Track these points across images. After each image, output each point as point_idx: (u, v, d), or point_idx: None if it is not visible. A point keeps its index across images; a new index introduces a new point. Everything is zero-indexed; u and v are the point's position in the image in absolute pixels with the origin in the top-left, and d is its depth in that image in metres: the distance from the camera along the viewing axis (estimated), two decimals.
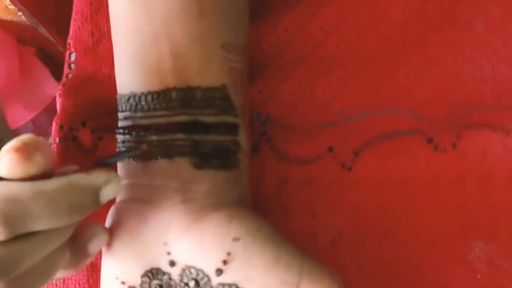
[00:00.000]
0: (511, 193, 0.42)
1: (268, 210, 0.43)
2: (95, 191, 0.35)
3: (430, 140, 0.43)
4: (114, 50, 0.41)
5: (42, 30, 0.83)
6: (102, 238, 0.38)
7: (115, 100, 0.44)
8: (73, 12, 0.46)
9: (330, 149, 0.43)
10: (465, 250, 0.43)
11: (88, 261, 0.39)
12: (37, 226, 0.32)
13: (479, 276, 0.42)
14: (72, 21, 0.46)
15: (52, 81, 0.89)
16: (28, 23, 0.80)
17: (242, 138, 0.40)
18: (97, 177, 0.35)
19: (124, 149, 0.40)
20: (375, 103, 0.44)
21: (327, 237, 0.43)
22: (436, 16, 0.45)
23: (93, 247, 0.38)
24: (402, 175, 0.43)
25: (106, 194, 0.35)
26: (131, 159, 0.39)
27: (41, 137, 0.33)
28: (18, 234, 0.32)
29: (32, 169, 0.33)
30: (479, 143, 0.42)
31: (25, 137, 0.33)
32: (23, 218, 0.32)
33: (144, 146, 0.38)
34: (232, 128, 0.39)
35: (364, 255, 0.43)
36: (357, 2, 0.45)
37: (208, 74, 0.39)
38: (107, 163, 0.37)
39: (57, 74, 0.96)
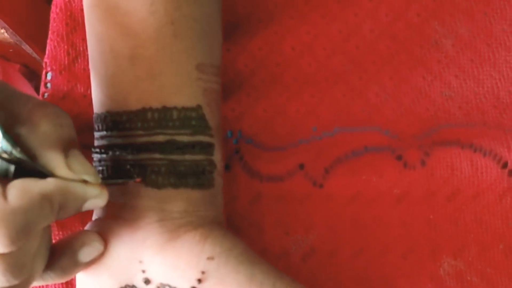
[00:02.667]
0: (479, 209, 0.43)
1: (241, 227, 0.43)
2: (83, 202, 0.36)
3: (399, 157, 0.43)
4: (91, 70, 0.41)
5: (26, 47, 0.83)
6: (95, 247, 0.39)
7: (90, 118, 0.44)
8: (50, 32, 0.47)
9: (301, 166, 0.44)
10: (434, 265, 0.43)
11: (78, 270, 0.39)
12: (39, 227, 0.34)
13: None
14: (48, 41, 0.47)
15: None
16: (11, 40, 0.80)
17: (217, 157, 0.41)
18: (91, 190, 0.36)
19: (101, 168, 0.40)
20: (346, 121, 0.45)
21: (299, 253, 0.44)
22: (405, 35, 0.45)
23: (84, 256, 0.38)
24: (372, 192, 0.43)
25: (90, 205, 0.36)
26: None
27: None
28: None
29: None
30: (447, 160, 0.43)
31: None
32: (34, 223, 0.33)
33: (138, 180, 0.39)
34: (207, 148, 0.40)
35: (336, 270, 0.44)
36: (328, 21, 0.46)
37: (183, 94, 0.39)
38: (108, 183, 0.38)
39: (39, 90, 0.96)
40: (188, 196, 0.39)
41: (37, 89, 0.94)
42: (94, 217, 0.41)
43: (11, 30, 0.78)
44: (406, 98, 0.45)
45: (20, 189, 0.33)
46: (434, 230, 0.43)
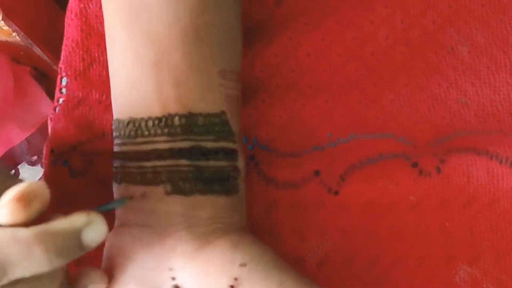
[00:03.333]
0: (494, 216, 0.43)
1: (256, 233, 0.43)
2: (76, 234, 0.34)
3: (414, 164, 0.43)
4: (111, 76, 0.41)
5: (37, 50, 0.83)
6: (99, 286, 0.39)
7: (105, 124, 0.44)
8: (64, 38, 0.47)
9: (317, 173, 0.44)
10: (450, 272, 0.43)
11: None
12: (18, 273, 0.32)
13: None
14: (63, 46, 0.47)
15: (46, 100, 0.89)
16: (22, 43, 0.81)
17: (241, 163, 0.41)
18: (76, 219, 0.35)
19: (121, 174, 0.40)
20: (361, 127, 0.45)
21: (314, 260, 0.44)
22: (421, 42, 0.45)
23: None
24: (388, 199, 0.43)
25: (90, 236, 0.35)
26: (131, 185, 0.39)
27: (37, 182, 0.34)
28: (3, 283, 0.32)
29: (31, 216, 0.33)
30: (463, 167, 0.43)
31: (24, 186, 0.33)
32: (2, 265, 0.32)
33: (130, 197, 0.39)
34: (231, 154, 0.40)
35: (351, 277, 0.44)
36: (343, 28, 0.46)
37: (208, 100, 0.39)
38: (100, 210, 0.36)
39: (52, 93, 0.97)
40: (215, 202, 0.39)
41: (47, 92, 0.95)
42: (117, 223, 0.41)
43: (22, 33, 0.78)
44: (421, 105, 0.45)
45: None
46: (449, 237, 0.43)
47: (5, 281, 0.32)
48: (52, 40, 0.85)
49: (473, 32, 0.45)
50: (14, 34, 0.77)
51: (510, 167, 0.42)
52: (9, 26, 0.75)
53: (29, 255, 0.32)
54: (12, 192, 0.33)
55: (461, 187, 0.43)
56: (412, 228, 0.43)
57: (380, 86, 0.45)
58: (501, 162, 0.42)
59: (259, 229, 0.44)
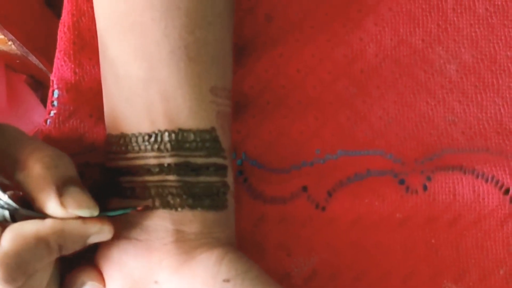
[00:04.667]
0: (480, 235, 0.43)
1: (243, 248, 0.44)
2: (86, 237, 0.38)
3: (401, 181, 0.44)
4: (104, 92, 0.42)
5: (32, 59, 0.84)
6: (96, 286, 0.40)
7: (96, 137, 0.45)
8: (57, 50, 0.47)
9: (305, 188, 0.44)
10: None
11: None
12: (38, 266, 0.36)
13: None
14: (55, 59, 0.47)
15: (40, 108, 0.90)
16: (18, 52, 0.81)
17: (230, 179, 0.41)
18: (91, 227, 0.38)
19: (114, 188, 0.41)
20: (349, 144, 0.45)
21: (301, 275, 0.44)
22: (409, 59, 0.46)
23: None
24: (374, 215, 0.44)
25: (95, 240, 0.38)
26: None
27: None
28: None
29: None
30: (449, 185, 0.43)
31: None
32: (28, 264, 0.36)
33: (139, 208, 0.39)
34: (221, 170, 0.40)
35: None
36: (333, 44, 0.46)
37: (198, 117, 0.40)
38: (107, 215, 0.39)
39: (46, 100, 0.97)
40: (203, 217, 0.39)
41: (42, 100, 0.95)
42: None
43: (18, 42, 0.78)
44: (409, 122, 0.45)
45: (14, 233, 0.35)
46: (435, 254, 0.44)
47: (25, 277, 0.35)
48: (48, 48, 0.85)
49: (461, 50, 0.46)
50: (9, 43, 0.78)
51: (495, 186, 0.43)
52: (4, 35, 0.75)
53: (46, 254, 0.36)
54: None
55: (447, 205, 0.43)
56: (398, 245, 0.44)
57: (369, 103, 0.46)
58: (486, 181, 0.43)
59: (246, 243, 0.44)
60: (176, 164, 0.39)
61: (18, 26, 0.77)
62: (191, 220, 0.39)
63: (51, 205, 0.37)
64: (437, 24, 0.46)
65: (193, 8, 0.40)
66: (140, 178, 0.40)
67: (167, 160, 0.39)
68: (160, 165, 0.39)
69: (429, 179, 0.43)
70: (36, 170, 0.37)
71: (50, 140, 0.46)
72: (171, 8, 0.39)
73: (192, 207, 0.39)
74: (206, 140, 0.40)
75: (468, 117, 0.45)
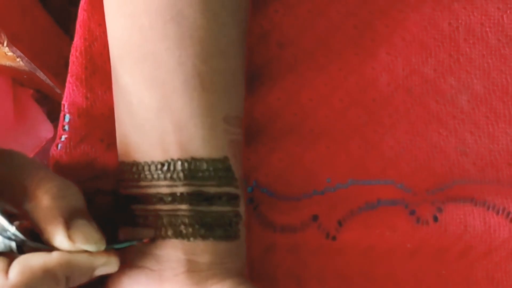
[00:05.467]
0: (491, 266, 0.43)
1: (253, 277, 0.44)
2: (92, 270, 0.37)
3: (412, 212, 0.44)
4: (116, 119, 0.42)
5: (40, 74, 0.84)
6: None
7: (108, 163, 0.45)
8: (69, 75, 0.47)
9: (315, 217, 0.44)
10: None
11: None
12: None
13: None
14: (67, 83, 0.47)
15: (47, 124, 0.90)
16: (26, 68, 0.81)
17: (242, 208, 0.41)
18: (98, 260, 0.37)
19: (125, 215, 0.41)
20: (360, 173, 0.45)
21: None
22: (421, 89, 0.46)
23: None
24: (385, 245, 0.44)
25: (101, 272, 0.38)
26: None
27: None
28: None
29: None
30: (460, 216, 0.43)
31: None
32: None
33: (146, 241, 0.39)
34: (234, 199, 0.40)
35: None
36: (345, 73, 0.46)
37: (211, 146, 0.40)
38: (113, 248, 0.39)
39: (53, 115, 0.97)
40: (215, 248, 0.39)
41: (49, 114, 0.95)
42: None
43: (26, 59, 0.78)
44: (421, 152, 0.45)
45: (22, 265, 0.35)
46: (446, 285, 0.44)
47: None
48: (55, 65, 0.86)
49: (473, 81, 0.46)
50: (18, 59, 0.78)
51: (506, 218, 0.43)
52: (13, 52, 0.75)
53: (54, 286, 0.36)
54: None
55: (458, 236, 0.43)
56: (409, 275, 0.44)
57: (380, 133, 0.46)
58: (497, 212, 0.43)
59: (256, 272, 0.44)
60: (188, 194, 0.39)
61: (27, 44, 0.77)
62: (203, 250, 0.39)
63: (59, 238, 0.37)
64: (449, 54, 0.46)
65: (206, 37, 0.40)
66: (152, 207, 0.40)
67: (180, 189, 0.39)
68: (173, 194, 0.39)
69: (440, 210, 0.43)
70: (44, 202, 0.37)
71: (61, 165, 0.46)
72: (184, 37, 0.40)
73: (204, 237, 0.39)
74: (219, 169, 0.40)
75: (479, 148, 0.45)
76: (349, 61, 0.46)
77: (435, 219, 0.43)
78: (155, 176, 0.40)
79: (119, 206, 0.42)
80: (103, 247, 0.38)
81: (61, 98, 0.89)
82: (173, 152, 0.39)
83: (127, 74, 0.41)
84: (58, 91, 0.89)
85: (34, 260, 0.36)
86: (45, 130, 0.90)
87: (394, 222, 0.44)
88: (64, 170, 0.46)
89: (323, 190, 0.45)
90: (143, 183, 0.40)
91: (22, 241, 0.37)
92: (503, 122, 0.45)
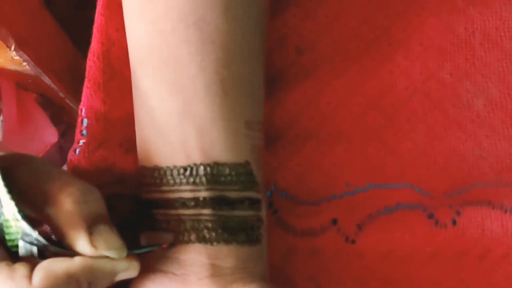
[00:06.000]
0: (510, 269, 0.44)
1: (273, 281, 0.44)
2: (114, 275, 0.37)
3: (430, 216, 0.44)
4: (137, 123, 0.42)
5: (45, 79, 0.84)
6: None
7: (126, 167, 0.45)
8: (86, 79, 0.47)
9: (334, 221, 0.44)
10: None
11: None
12: None
13: None
14: (84, 88, 0.47)
15: (51, 128, 0.90)
16: (31, 72, 0.81)
17: (264, 213, 0.41)
18: (119, 265, 0.37)
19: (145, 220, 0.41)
20: (379, 177, 0.45)
21: None
22: (439, 94, 0.46)
23: None
24: (404, 249, 0.44)
25: (122, 277, 0.38)
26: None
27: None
28: None
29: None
30: (478, 220, 0.43)
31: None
32: None
33: (165, 246, 0.40)
34: (256, 204, 0.40)
35: None
36: (363, 77, 0.47)
37: (233, 151, 0.40)
38: (133, 253, 0.39)
39: (56, 119, 0.97)
40: (238, 252, 0.39)
41: (52, 118, 0.95)
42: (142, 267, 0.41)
43: (32, 63, 0.78)
44: (439, 156, 0.46)
45: (45, 271, 0.35)
46: None
47: None
48: (60, 69, 0.86)
49: (488, 85, 0.46)
50: (24, 63, 0.77)
51: None
52: (20, 56, 0.75)
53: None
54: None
55: (476, 239, 0.44)
56: (428, 279, 0.44)
57: (398, 136, 0.46)
58: None
59: (276, 276, 0.44)
60: (211, 198, 0.39)
61: (34, 48, 0.77)
62: (226, 254, 0.39)
63: (81, 243, 0.37)
64: (465, 58, 0.47)
65: (227, 43, 0.40)
66: (175, 211, 0.40)
67: (203, 194, 0.39)
68: (196, 199, 0.39)
69: (458, 213, 0.44)
70: (66, 206, 0.37)
71: (79, 169, 0.46)
72: (206, 42, 0.40)
73: (227, 241, 0.39)
74: (241, 174, 0.40)
75: (496, 152, 0.46)
76: (367, 66, 0.47)
77: (454, 222, 0.44)
78: (177, 180, 0.40)
79: (140, 211, 0.42)
80: (124, 254, 0.38)
81: (65, 103, 0.89)
82: (196, 157, 0.39)
83: (148, 79, 0.41)
84: (62, 95, 0.89)
85: (57, 265, 0.36)
86: (49, 134, 0.90)
87: (413, 225, 0.44)
88: (83, 175, 0.45)
89: (341, 194, 0.45)
90: (165, 188, 0.40)
91: (44, 245, 0.37)
92: None
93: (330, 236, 0.44)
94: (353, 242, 0.44)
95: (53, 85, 0.86)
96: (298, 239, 0.44)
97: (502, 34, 0.47)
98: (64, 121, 0.98)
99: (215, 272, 0.39)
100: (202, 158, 0.39)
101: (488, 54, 0.47)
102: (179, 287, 0.39)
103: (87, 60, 0.48)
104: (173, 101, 0.40)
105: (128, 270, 0.38)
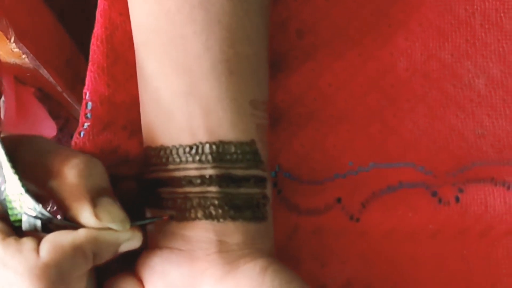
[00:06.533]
0: (511, 245, 0.44)
1: (278, 259, 0.44)
2: (117, 246, 0.38)
3: (434, 193, 0.44)
4: (142, 104, 0.42)
5: (44, 72, 0.84)
6: None
7: (129, 150, 0.45)
8: (90, 63, 0.48)
9: (339, 200, 0.45)
10: None
11: None
12: (74, 276, 0.36)
13: None
14: (88, 72, 0.47)
15: (49, 122, 0.90)
16: (30, 65, 0.81)
17: (269, 191, 0.42)
18: (122, 235, 0.38)
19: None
20: (381, 156, 0.46)
21: (335, 286, 0.45)
22: (439, 74, 0.47)
23: None
24: (407, 227, 0.44)
25: (126, 248, 0.39)
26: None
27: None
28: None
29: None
30: (480, 197, 0.44)
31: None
32: (68, 274, 0.36)
33: (165, 218, 0.40)
34: (261, 182, 0.41)
35: None
36: (364, 58, 0.47)
37: (239, 129, 0.40)
38: (136, 224, 0.40)
39: (54, 114, 0.97)
40: (245, 229, 0.40)
41: (49, 113, 0.95)
42: (148, 246, 0.42)
43: (31, 56, 0.79)
44: (439, 135, 0.46)
45: (52, 243, 0.36)
46: (467, 266, 0.44)
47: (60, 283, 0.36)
48: (58, 62, 0.86)
49: (489, 65, 0.47)
50: (23, 56, 0.78)
51: None
52: (19, 49, 0.75)
53: (83, 263, 0.37)
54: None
55: (478, 216, 0.44)
56: (431, 256, 0.44)
57: (399, 116, 0.46)
58: None
59: (281, 255, 0.44)
60: (217, 176, 0.40)
61: (33, 41, 0.77)
62: (233, 231, 0.39)
63: (85, 215, 0.37)
64: (465, 39, 0.47)
65: (233, 23, 0.41)
66: (181, 189, 0.40)
67: (209, 172, 0.40)
68: (202, 177, 0.40)
69: (461, 191, 0.44)
70: (70, 178, 0.38)
71: (83, 151, 0.46)
72: (212, 22, 0.40)
73: (234, 218, 0.40)
74: (247, 153, 0.40)
75: (497, 130, 0.46)
76: (367, 48, 0.47)
77: (457, 199, 0.44)
78: (184, 159, 0.40)
79: (145, 190, 0.42)
80: (128, 226, 0.38)
81: (62, 98, 0.89)
82: (201, 136, 0.40)
83: (153, 60, 0.41)
84: (60, 89, 0.89)
85: (63, 238, 0.36)
86: (48, 127, 0.90)
87: (416, 203, 0.44)
88: None
89: (345, 173, 0.46)
90: (171, 167, 0.40)
91: (48, 219, 0.37)
92: None
93: (334, 214, 0.45)
94: (357, 220, 0.45)
95: (51, 79, 0.86)
96: (302, 217, 0.45)
97: (502, 14, 0.47)
98: (62, 115, 0.99)
99: (223, 248, 0.39)
100: (207, 136, 0.40)
101: (488, 34, 0.47)
102: (186, 262, 0.39)
103: (91, 44, 0.48)
104: (179, 81, 0.40)
105: (131, 240, 0.39)
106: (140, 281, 0.41)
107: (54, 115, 0.97)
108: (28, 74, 0.87)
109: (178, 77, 0.40)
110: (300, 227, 0.45)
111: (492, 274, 0.44)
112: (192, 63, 0.40)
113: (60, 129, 0.97)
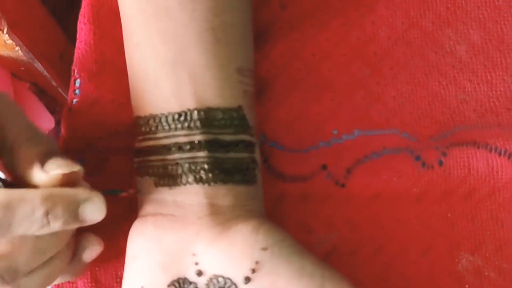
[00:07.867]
0: (495, 207, 0.45)
1: None
2: (75, 205, 0.38)
3: (417, 158, 0.45)
4: (130, 75, 0.43)
5: (37, 65, 0.85)
6: (95, 248, 0.42)
7: (119, 122, 0.46)
8: (77, 41, 0.48)
9: (324, 167, 0.45)
10: (453, 261, 0.45)
11: (85, 269, 0.43)
12: (21, 230, 0.36)
13: (467, 286, 0.44)
14: (76, 49, 0.48)
15: (47, 115, 0.91)
16: (24, 58, 0.82)
17: (258, 155, 0.43)
18: (79, 192, 0.38)
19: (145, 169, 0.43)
20: (365, 124, 0.47)
21: (321, 251, 0.45)
22: (420, 42, 0.47)
23: (87, 256, 0.42)
24: (392, 191, 0.45)
25: (86, 211, 0.38)
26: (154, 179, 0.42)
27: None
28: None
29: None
30: (464, 159, 0.45)
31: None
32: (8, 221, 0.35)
33: (131, 190, 0.42)
34: (249, 146, 0.42)
35: (357, 269, 0.45)
36: (347, 28, 0.48)
37: (226, 96, 0.41)
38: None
39: (50, 109, 0.98)
40: (236, 191, 0.41)
41: (47, 107, 0.96)
42: (140, 214, 0.43)
43: (25, 48, 0.79)
44: (422, 101, 0.47)
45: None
46: (452, 228, 0.45)
47: (9, 236, 0.36)
48: (51, 55, 0.86)
49: (470, 32, 0.48)
50: (17, 48, 0.78)
51: (508, 159, 0.44)
52: (12, 40, 0.76)
53: (32, 215, 0.36)
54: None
55: (462, 178, 0.45)
56: (416, 219, 0.45)
57: (382, 84, 0.47)
58: (500, 154, 0.44)
59: None
60: (206, 141, 0.40)
61: (26, 32, 0.78)
62: (224, 194, 0.40)
63: (34, 172, 0.38)
64: (446, 7, 0.48)
65: None
66: (171, 156, 0.41)
67: (197, 137, 0.40)
68: (191, 143, 0.40)
69: (444, 154, 0.45)
70: (22, 153, 0.39)
71: (73, 126, 0.47)
72: None
73: (224, 181, 0.40)
74: (234, 118, 0.41)
75: (478, 95, 0.47)
76: (350, 17, 0.48)
77: (440, 163, 0.45)
78: (173, 126, 0.41)
79: (135, 159, 0.43)
80: (76, 168, 0.39)
81: (57, 93, 0.89)
82: (189, 103, 0.41)
83: (141, 31, 0.42)
84: (54, 84, 0.90)
85: (13, 191, 0.37)
86: (46, 120, 0.91)
87: (400, 167, 0.45)
88: (77, 131, 0.47)
89: (329, 141, 0.47)
90: (160, 134, 0.41)
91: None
92: (500, 69, 0.47)
93: (320, 180, 0.45)
94: (343, 186, 0.45)
95: (45, 73, 0.87)
96: (288, 185, 0.46)
97: None
98: (58, 111, 0.99)
99: (214, 210, 0.40)
100: (195, 103, 0.41)
101: (468, 2, 0.48)
102: (179, 227, 0.40)
103: (78, 22, 0.49)
104: (166, 49, 0.41)
105: (92, 202, 0.38)
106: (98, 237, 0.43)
107: (50, 110, 0.98)
108: (22, 68, 0.88)
109: (165, 46, 0.41)
110: (286, 194, 0.46)
111: (476, 236, 0.45)
112: (178, 32, 0.41)
113: (57, 123, 0.97)
